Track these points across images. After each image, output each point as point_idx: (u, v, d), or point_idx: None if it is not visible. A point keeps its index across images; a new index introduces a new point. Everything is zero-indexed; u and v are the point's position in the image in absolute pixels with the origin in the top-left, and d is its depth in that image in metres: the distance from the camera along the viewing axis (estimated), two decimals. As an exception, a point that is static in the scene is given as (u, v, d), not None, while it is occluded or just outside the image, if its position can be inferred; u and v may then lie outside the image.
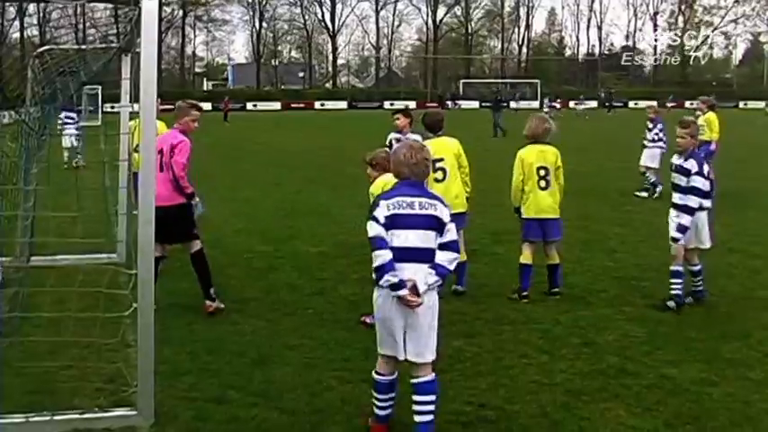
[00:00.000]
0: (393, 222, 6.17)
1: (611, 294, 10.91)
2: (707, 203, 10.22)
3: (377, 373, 6.55)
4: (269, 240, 14.64)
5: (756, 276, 11.99)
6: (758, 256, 13.31)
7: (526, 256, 10.90)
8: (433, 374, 6.44)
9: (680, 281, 10.23)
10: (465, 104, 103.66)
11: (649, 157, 21.12)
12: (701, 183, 10.08)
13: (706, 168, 10.23)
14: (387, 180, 8.47)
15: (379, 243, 6.17)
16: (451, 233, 6.30)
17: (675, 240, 10.16)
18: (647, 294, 10.76)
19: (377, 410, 6.59)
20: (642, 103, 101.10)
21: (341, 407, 7.14)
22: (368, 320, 9.06)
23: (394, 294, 6.11)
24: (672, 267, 10.27)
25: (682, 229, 10.06)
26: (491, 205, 17.85)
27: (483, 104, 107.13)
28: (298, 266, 12.59)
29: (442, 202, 6.39)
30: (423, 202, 6.27)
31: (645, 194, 20.42)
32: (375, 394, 6.58)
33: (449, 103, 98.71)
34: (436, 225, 6.25)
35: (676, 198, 10.26)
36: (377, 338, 6.49)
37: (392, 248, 6.14)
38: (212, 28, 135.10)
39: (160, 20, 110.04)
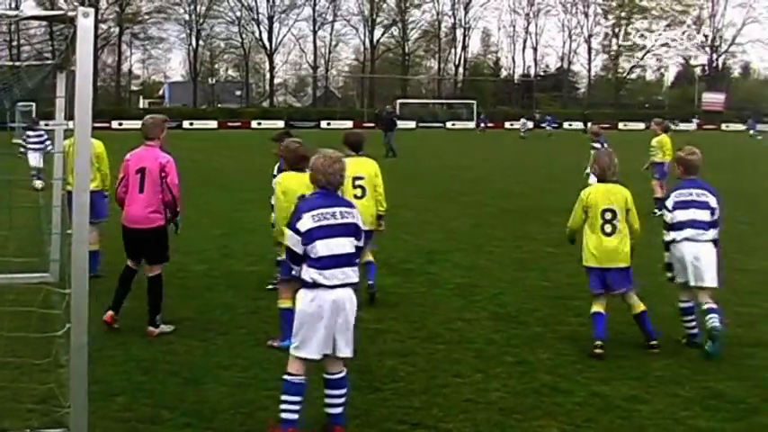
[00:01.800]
0: (318, 233, 6.56)
1: (544, 313, 11.01)
2: (681, 235, 9.66)
3: (289, 374, 6.67)
4: (204, 260, 14.58)
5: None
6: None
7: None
8: (345, 370, 6.84)
9: (689, 317, 9.82)
10: (401, 124, 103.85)
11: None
12: (664, 215, 9.91)
13: (670, 201, 9.87)
14: (290, 177, 9.11)
15: (294, 256, 6.68)
16: (363, 240, 6.92)
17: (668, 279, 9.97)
18: (580, 313, 10.86)
19: (286, 414, 6.65)
20: (576, 124, 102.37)
21: (275, 426, 7.15)
22: (275, 344, 9.16)
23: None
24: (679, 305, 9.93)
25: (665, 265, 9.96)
26: (424, 223, 17.97)
27: (419, 124, 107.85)
28: (232, 286, 12.55)
29: (354, 207, 6.94)
30: (342, 212, 6.72)
31: None
32: (286, 397, 6.67)
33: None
34: (354, 232, 6.73)
35: None
36: (294, 339, 6.67)
37: (321, 257, 6.54)
38: (149, 46, 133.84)
39: (96, 37, 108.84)
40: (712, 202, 9.77)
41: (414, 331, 10.15)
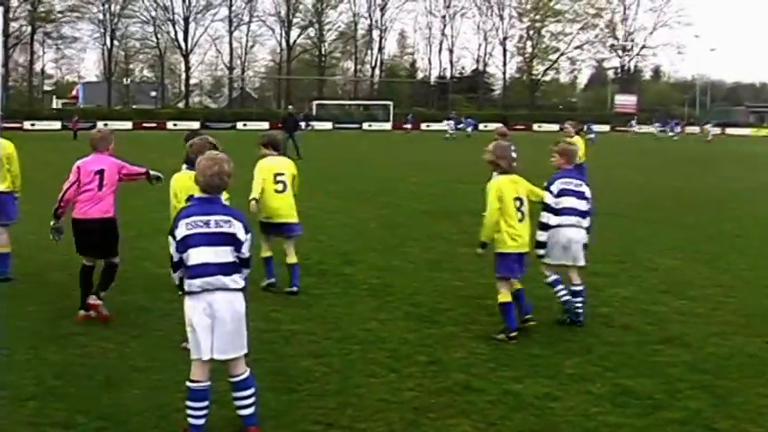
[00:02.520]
0: (191, 241, 6.58)
1: (457, 313, 11.12)
2: (566, 221, 10.59)
3: (191, 380, 6.69)
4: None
5: (598, 294, 12.37)
6: (599, 274, 13.73)
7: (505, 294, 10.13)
8: (248, 370, 6.84)
9: (560, 287, 10.74)
10: (318, 125, 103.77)
11: None
12: (548, 199, 10.57)
13: (556, 187, 10.65)
14: (182, 176, 9.79)
15: (173, 262, 6.75)
16: (246, 248, 6.76)
17: (538, 256, 10.64)
18: (493, 312, 10.98)
19: (193, 420, 6.67)
20: (492, 125, 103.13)
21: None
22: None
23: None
24: (546, 280, 10.86)
25: (536, 244, 10.55)
26: (339, 225, 18.02)
27: (335, 125, 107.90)
28: (147, 288, 12.44)
29: (236, 217, 6.75)
30: (218, 220, 6.64)
31: None
32: (191, 404, 6.68)
33: (302, 123, 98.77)
34: (231, 241, 6.66)
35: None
36: (191, 345, 6.69)
37: (194, 265, 6.58)
38: (62, 45, 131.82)
39: (7, 36, 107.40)
40: (587, 192, 10.85)
41: (328, 332, 10.19)
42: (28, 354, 9.12)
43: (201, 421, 6.68)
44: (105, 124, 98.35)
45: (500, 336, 9.94)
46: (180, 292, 6.85)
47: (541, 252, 10.64)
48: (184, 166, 9.98)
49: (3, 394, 6.91)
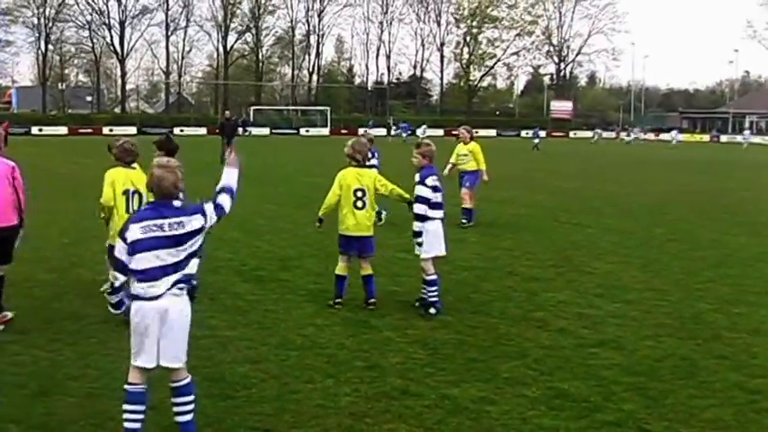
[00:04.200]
0: (142, 245, 6.55)
1: (394, 318, 11.14)
2: (438, 213, 11.60)
3: (129, 383, 6.67)
4: (52, 269, 14.26)
5: (534, 298, 12.50)
6: (536, 279, 13.89)
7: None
8: (189, 376, 6.84)
9: (436, 287, 11.56)
10: (256, 131, 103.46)
11: None
12: (423, 191, 11.47)
13: (431, 181, 11.50)
14: (117, 171, 10.90)
15: (122, 265, 6.68)
16: (199, 242, 6.80)
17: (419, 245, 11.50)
18: (430, 319, 11.09)
19: (128, 424, 6.63)
20: (430, 131, 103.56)
21: (125, 436, 7.08)
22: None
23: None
24: (427, 277, 11.56)
25: (414, 234, 11.59)
26: (277, 230, 18.00)
27: (273, 131, 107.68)
28: (82, 295, 12.29)
29: (187, 213, 6.75)
30: (171, 223, 6.63)
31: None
32: (127, 407, 6.65)
33: (240, 129, 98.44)
34: (185, 240, 6.65)
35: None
36: (133, 349, 6.66)
37: (143, 269, 6.54)
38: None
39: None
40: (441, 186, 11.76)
41: (266, 338, 10.16)
42: (-42, 362, 8.98)
43: (137, 425, 6.64)
44: (40, 129, 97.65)
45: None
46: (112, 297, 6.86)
47: (419, 240, 11.53)
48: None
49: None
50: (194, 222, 6.71)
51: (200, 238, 6.77)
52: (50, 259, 15.12)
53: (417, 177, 11.64)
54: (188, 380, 6.83)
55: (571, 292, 12.98)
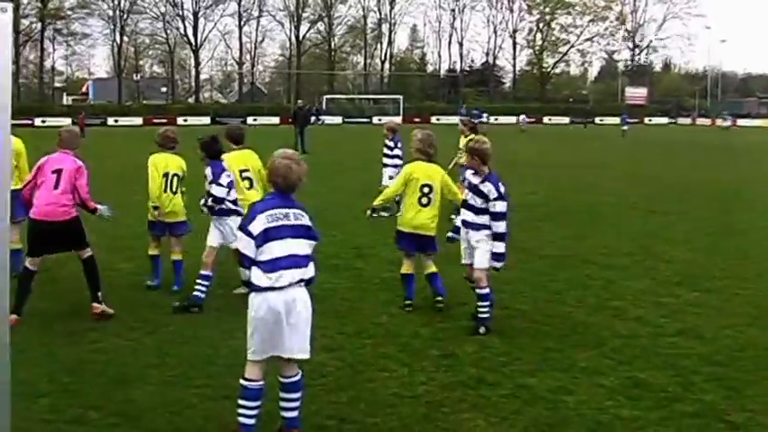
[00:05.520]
0: (271, 234, 6.51)
1: (470, 307, 11.02)
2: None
3: (246, 379, 6.63)
4: (130, 257, 14.43)
5: (610, 286, 12.39)
6: (611, 267, 13.75)
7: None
8: (301, 372, 6.77)
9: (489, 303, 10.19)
10: (328, 120, 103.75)
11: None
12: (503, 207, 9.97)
13: (503, 188, 10.02)
14: (158, 156, 11.68)
15: (249, 261, 6.57)
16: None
17: (497, 270, 10.21)
18: (505, 306, 11.01)
19: (244, 420, 6.63)
20: (503, 119, 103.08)
21: (203, 425, 7.14)
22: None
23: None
24: (480, 291, 10.15)
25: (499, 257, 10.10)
26: (351, 219, 18.02)
27: (345, 120, 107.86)
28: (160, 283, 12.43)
29: (302, 208, 6.78)
30: (296, 213, 6.65)
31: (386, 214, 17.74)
32: (243, 402, 6.63)
33: (312, 117, 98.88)
34: (306, 234, 6.68)
35: (472, 217, 10.21)
36: (249, 344, 6.62)
37: (272, 259, 6.50)
38: (72, 42, 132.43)
39: (17, 32, 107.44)
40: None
41: (341, 326, 10.19)
42: (40, 350, 9.14)
43: (252, 421, 6.64)
44: (116, 120, 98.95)
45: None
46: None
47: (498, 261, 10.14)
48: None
49: (16, 390, 6.87)
50: (308, 218, 6.74)
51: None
52: (129, 248, 15.28)
53: (473, 179, 10.24)
54: (299, 376, 6.78)
55: (649, 281, 12.83)
